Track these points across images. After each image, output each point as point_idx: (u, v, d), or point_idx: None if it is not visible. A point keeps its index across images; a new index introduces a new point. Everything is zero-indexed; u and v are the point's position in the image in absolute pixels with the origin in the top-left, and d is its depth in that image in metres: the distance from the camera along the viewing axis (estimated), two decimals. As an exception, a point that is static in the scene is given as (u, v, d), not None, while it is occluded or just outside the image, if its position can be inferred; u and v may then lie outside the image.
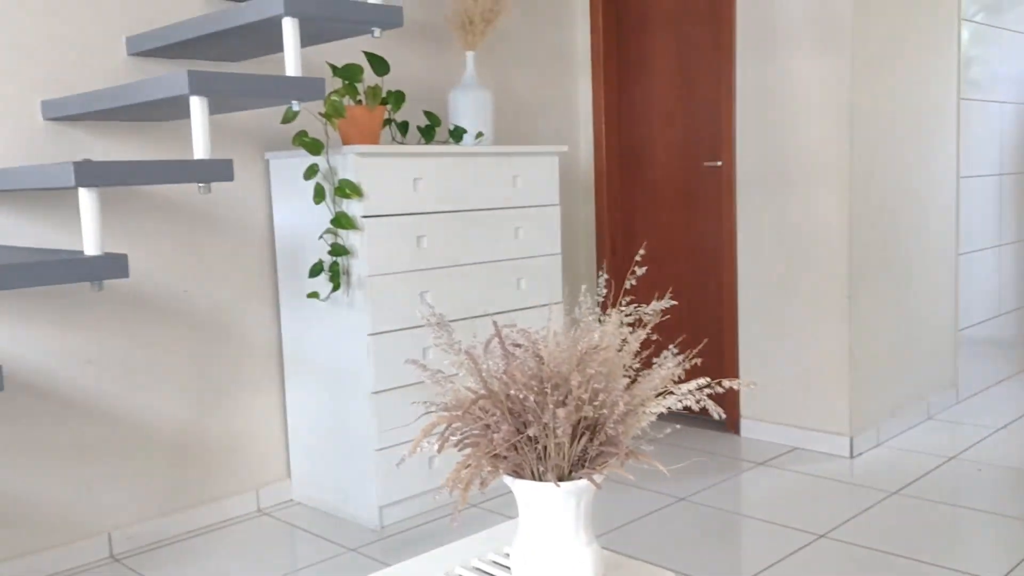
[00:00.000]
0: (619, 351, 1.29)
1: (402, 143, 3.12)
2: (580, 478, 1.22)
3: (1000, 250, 4.18)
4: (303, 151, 2.72)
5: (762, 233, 3.39)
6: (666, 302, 1.35)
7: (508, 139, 3.63)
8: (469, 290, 2.90)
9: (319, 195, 2.65)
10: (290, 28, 2.07)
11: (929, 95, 3.58)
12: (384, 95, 2.87)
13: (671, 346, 1.33)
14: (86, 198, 1.86)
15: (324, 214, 2.72)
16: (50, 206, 2.49)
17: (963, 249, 3.89)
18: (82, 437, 2.57)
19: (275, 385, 2.99)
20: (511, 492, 3.02)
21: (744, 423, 3.52)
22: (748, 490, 2.96)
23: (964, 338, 3.93)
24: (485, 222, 2.94)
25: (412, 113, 3.29)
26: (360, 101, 2.77)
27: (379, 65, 2.86)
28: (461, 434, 1.25)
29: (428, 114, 3.09)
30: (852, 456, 3.23)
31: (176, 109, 2.28)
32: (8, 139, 2.40)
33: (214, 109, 2.34)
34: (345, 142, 2.75)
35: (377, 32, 2.27)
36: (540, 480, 1.23)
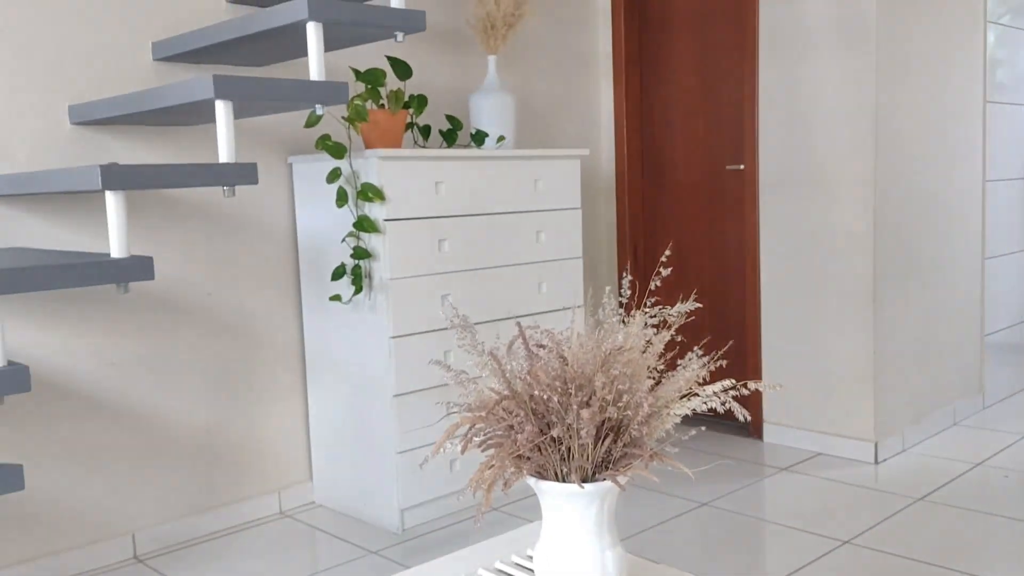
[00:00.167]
0: (643, 352, 1.29)
1: (424, 147, 3.13)
2: (604, 479, 1.22)
3: (1027, 254, 4.14)
4: (326, 155, 2.73)
5: (785, 237, 3.37)
6: (691, 304, 1.34)
7: (530, 143, 3.64)
8: (490, 293, 2.90)
9: (342, 198, 2.66)
10: (314, 33, 2.08)
11: (954, 98, 3.55)
12: (407, 99, 2.88)
13: (696, 348, 1.32)
14: (112, 201, 1.87)
15: (347, 217, 2.73)
16: (77, 209, 2.52)
17: (989, 253, 3.85)
18: (106, 438, 2.59)
19: (297, 387, 3.00)
20: (533, 496, 3.02)
21: (767, 428, 3.50)
22: (771, 495, 2.94)
23: (990, 343, 3.89)
24: (506, 225, 2.94)
25: (434, 117, 3.30)
26: (383, 105, 2.78)
27: (402, 69, 2.87)
28: (484, 435, 1.25)
29: (450, 118, 3.10)
30: (877, 462, 3.20)
31: (201, 113, 2.30)
32: (36, 143, 2.43)
33: (239, 113, 2.36)
34: (368, 146, 2.77)
35: (400, 36, 2.28)
36: (564, 481, 1.22)
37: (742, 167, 3.57)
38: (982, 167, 3.75)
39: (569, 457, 1.22)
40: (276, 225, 2.92)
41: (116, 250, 1.89)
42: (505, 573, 1.44)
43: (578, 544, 1.24)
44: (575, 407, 1.19)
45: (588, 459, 1.22)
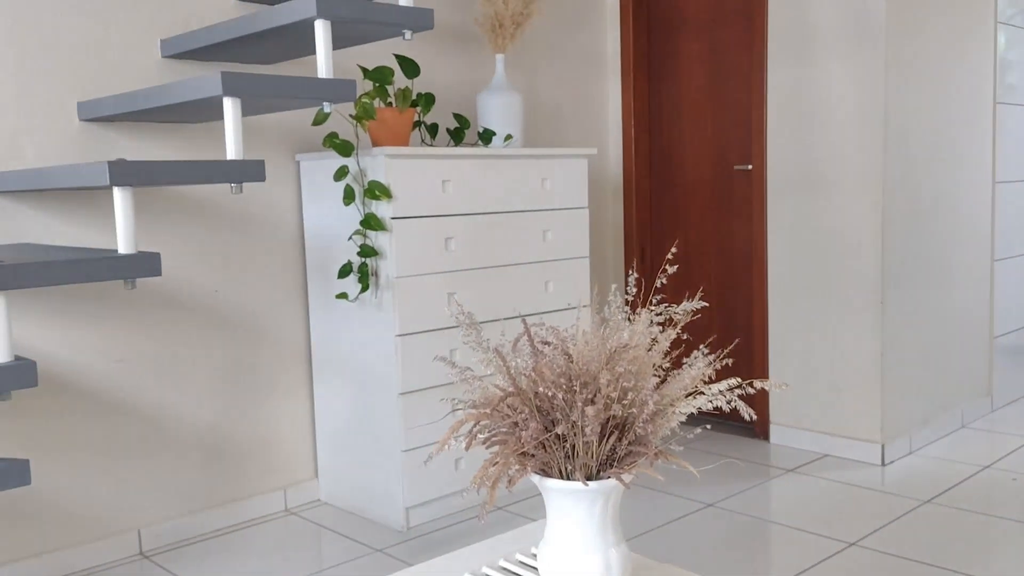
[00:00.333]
0: (649, 350, 1.28)
1: (431, 145, 3.13)
2: (608, 477, 1.22)
3: (1036, 257, 4.12)
4: (333, 153, 2.73)
5: (793, 237, 3.36)
6: (697, 303, 1.34)
7: (537, 141, 3.63)
8: (497, 292, 2.90)
9: (349, 196, 2.66)
10: (322, 30, 2.08)
11: (964, 99, 3.53)
12: (414, 97, 2.88)
13: (701, 346, 1.32)
14: (120, 197, 1.88)
15: (354, 215, 2.73)
16: (85, 205, 2.52)
17: (998, 255, 3.83)
18: (113, 435, 2.59)
19: (303, 385, 3.00)
20: (538, 495, 3.02)
21: (774, 429, 3.49)
22: (778, 497, 2.93)
23: (999, 345, 3.87)
24: (513, 224, 2.94)
25: (442, 115, 3.30)
26: (390, 103, 2.78)
27: (409, 68, 2.87)
28: (489, 432, 1.25)
29: (458, 116, 3.10)
30: (884, 464, 3.19)
31: (209, 110, 2.30)
32: (45, 140, 2.44)
33: (246, 111, 2.37)
34: (375, 144, 2.77)
35: (408, 35, 2.28)
36: (568, 479, 1.22)
37: (750, 167, 3.56)
38: (991, 168, 3.74)
39: (573, 455, 1.22)
40: (283, 223, 2.92)
41: (123, 246, 1.89)
42: (509, 571, 1.44)
43: (582, 542, 1.23)
44: (580, 404, 1.19)
45: (592, 457, 1.21)
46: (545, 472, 1.24)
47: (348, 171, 2.68)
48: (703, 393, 1.26)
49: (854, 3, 3.12)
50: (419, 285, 2.70)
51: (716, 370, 1.39)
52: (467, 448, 1.20)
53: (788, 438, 3.44)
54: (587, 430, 1.18)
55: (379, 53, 3.12)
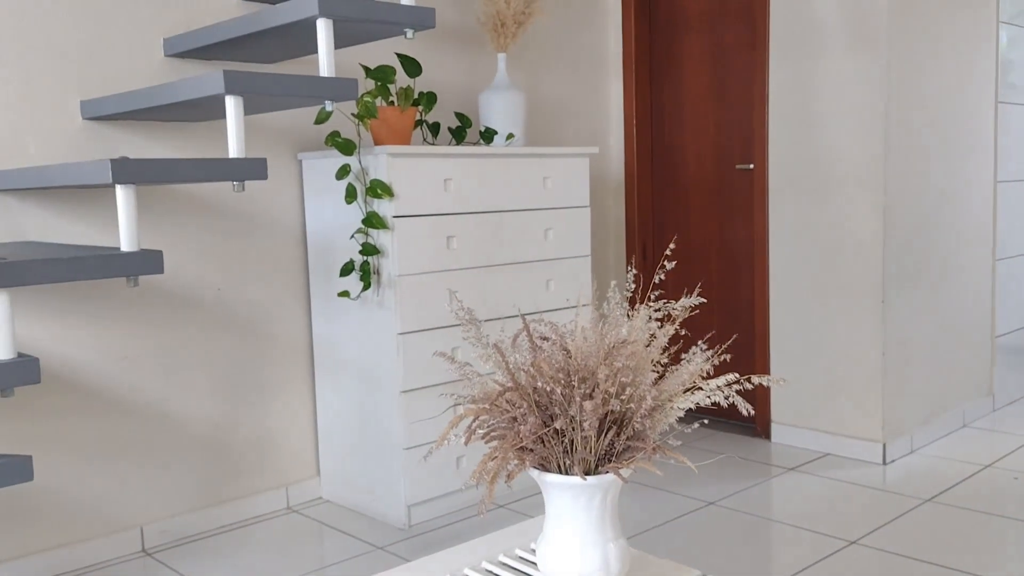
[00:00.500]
0: (647, 346, 1.29)
1: (433, 144, 3.14)
2: (607, 472, 1.22)
3: (1039, 256, 4.11)
4: (335, 151, 2.74)
5: (795, 236, 3.36)
6: (695, 299, 1.35)
7: (539, 140, 3.64)
8: (498, 291, 2.91)
9: (351, 195, 2.67)
10: (324, 29, 2.09)
11: (966, 98, 3.53)
12: (416, 96, 2.89)
13: (700, 342, 1.32)
14: (122, 195, 1.89)
15: (355, 214, 2.74)
16: (87, 203, 2.53)
17: (1000, 255, 3.83)
18: (115, 432, 2.60)
19: (305, 383, 3.01)
20: (538, 494, 3.02)
21: (775, 428, 3.49)
22: (779, 495, 2.93)
23: (1001, 345, 3.87)
24: (515, 223, 2.94)
25: (444, 114, 3.31)
26: (392, 102, 2.79)
27: (411, 66, 2.88)
28: (488, 427, 1.25)
29: (459, 115, 3.10)
30: (885, 463, 3.19)
31: (211, 109, 2.31)
32: (48, 138, 2.45)
33: (249, 109, 2.37)
34: (377, 143, 2.78)
35: (410, 33, 2.29)
36: (567, 474, 1.23)
37: (752, 166, 3.57)
38: (994, 168, 3.74)
39: (572, 449, 1.22)
40: (285, 221, 2.93)
41: (126, 244, 1.90)
42: (508, 566, 1.44)
43: (581, 536, 1.24)
44: (578, 399, 1.19)
45: (591, 451, 1.22)
46: (544, 467, 1.25)
47: (350, 170, 2.69)
48: (701, 389, 1.27)
49: (856, 2, 3.13)
50: (421, 283, 2.71)
51: (715, 367, 1.40)
52: (466, 443, 1.21)
53: (789, 437, 3.45)
54: (585, 425, 1.18)
55: (381, 52, 3.12)
